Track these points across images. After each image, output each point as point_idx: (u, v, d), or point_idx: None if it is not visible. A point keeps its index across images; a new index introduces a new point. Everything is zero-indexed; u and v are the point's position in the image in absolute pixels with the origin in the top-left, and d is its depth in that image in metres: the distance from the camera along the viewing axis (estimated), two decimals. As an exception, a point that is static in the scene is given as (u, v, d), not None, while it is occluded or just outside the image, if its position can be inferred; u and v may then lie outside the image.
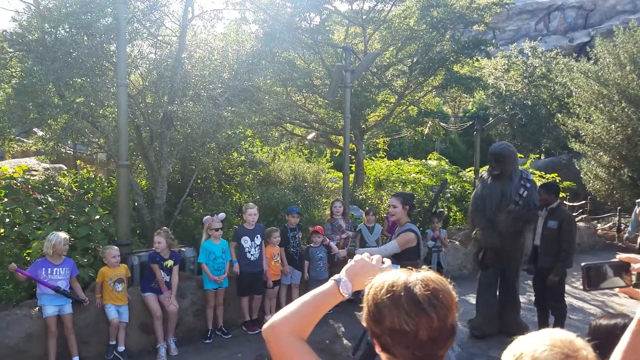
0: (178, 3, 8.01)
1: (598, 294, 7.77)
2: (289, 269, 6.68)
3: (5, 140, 7.91)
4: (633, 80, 13.94)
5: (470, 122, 18.05)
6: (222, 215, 6.20)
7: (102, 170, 11.55)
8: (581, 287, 1.57)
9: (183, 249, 6.57)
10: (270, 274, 6.46)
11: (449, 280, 1.26)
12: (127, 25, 6.57)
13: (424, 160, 16.67)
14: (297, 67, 11.15)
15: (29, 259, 5.45)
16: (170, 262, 5.58)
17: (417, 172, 13.96)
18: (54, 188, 7.45)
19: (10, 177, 6.69)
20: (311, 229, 7.05)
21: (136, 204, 7.57)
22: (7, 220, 5.89)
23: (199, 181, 9.06)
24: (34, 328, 4.89)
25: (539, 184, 6.36)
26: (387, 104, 13.18)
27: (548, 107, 21.76)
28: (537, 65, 22.83)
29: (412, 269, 1.27)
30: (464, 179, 14.56)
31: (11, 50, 7.06)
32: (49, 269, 4.91)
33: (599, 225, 14.48)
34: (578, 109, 15.97)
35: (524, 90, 22.59)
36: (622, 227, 12.96)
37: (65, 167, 11.00)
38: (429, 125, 15.57)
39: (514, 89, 22.83)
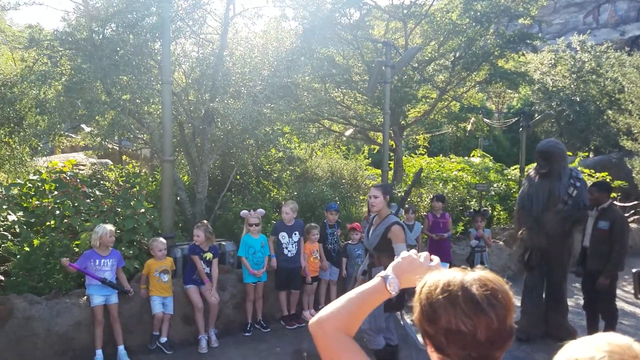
0: (220, 1, 8.14)
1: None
2: (327, 265, 6.68)
3: (56, 136, 8.24)
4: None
5: (516, 119, 17.53)
6: (260, 211, 6.26)
7: (146, 166, 11.90)
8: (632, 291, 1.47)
9: (223, 243, 6.67)
10: (309, 270, 6.47)
11: (505, 280, 1.22)
12: (170, 24, 6.71)
13: (466, 158, 16.32)
14: (336, 63, 11.11)
15: (77, 249, 5.66)
16: (209, 255, 5.67)
17: (459, 170, 13.67)
18: (101, 182, 7.73)
19: (60, 171, 6.98)
20: (349, 226, 7.01)
21: (179, 198, 7.73)
22: (57, 212, 6.14)
23: (237, 177, 9.18)
24: (82, 316, 5.08)
25: (589, 183, 6.10)
26: (428, 100, 12.95)
27: (597, 103, 20.87)
28: (586, 59, 21.93)
29: (466, 268, 1.24)
30: (509, 177, 14.20)
31: (61, 48, 7.34)
32: (97, 260, 5.09)
33: (652, 226, 13.77)
34: (630, 105, 15.25)
35: (572, 85, 21.74)
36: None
37: (111, 162, 11.38)
38: (471, 121, 15.20)
39: (561, 85, 22.00)
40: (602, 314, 5.60)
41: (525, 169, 12.86)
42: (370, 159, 14.30)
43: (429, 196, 10.71)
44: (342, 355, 1.31)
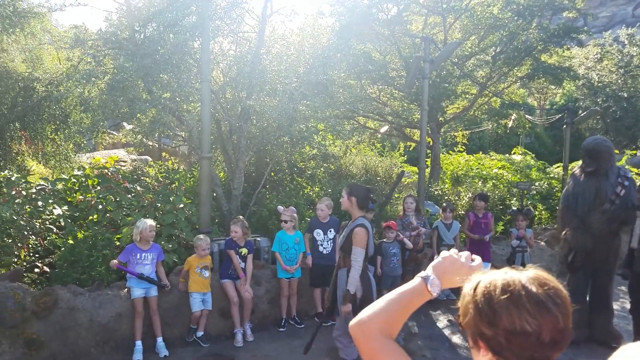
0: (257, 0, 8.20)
1: None
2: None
3: (99, 133, 8.53)
4: None
5: (559, 115, 16.94)
6: (291, 208, 6.27)
7: (184, 162, 12.15)
8: None
9: (258, 239, 6.73)
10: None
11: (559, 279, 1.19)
12: (209, 23, 6.80)
13: (507, 155, 15.91)
14: (372, 60, 11.00)
15: (118, 243, 5.84)
16: (245, 250, 5.73)
17: (500, 168, 13.33)
18: (142, 178, 7.94)
19: (103, 167, 7.21)
20: (384, 224, 6.94)
21: (215, 194, 7.86)
22: (100, 207, 6.35)
23: (272, 174, 9.24)
24: (123, 308, 5.22)
25: (638, 182, 5.83)
26: (467, 96, 12.67)
27: (646, 99, 19.94)
28: (634, 54, 20.92)
29: (516, 267, 1.21)
30: (551, 175, 13.76)
31: (105, 48, 7.57)
32: (138, 254, 5.23)
33: None
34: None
35: (619, 81, 20.81)
36: None
37: (150, 159, 11.69)
38: (513, 118, 14.77)
39: (607, 80, 21.09)
40: (651, 320, 5.34)
41: (569, 167, 12.45)
42: (406, 156, 14.12)
43: (467, 194, 10.49)
44: (383, 357, 1.29)
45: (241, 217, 6.11)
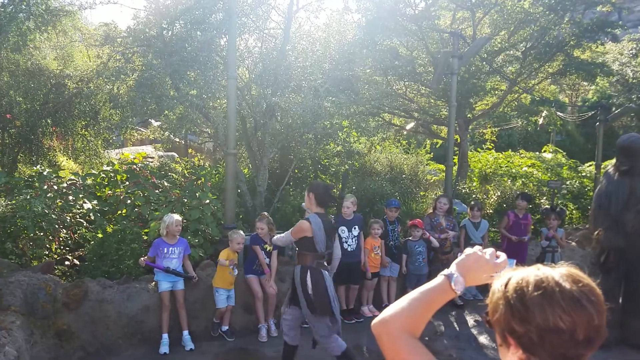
0: (284, -4, 8.21)
1: None
2: (387, 262, 6.58)
3: (127, 129, 8.68)
4: None
5: (591, 112, 16.47)
6: None
7: (209, 159, 12.29)
8: None
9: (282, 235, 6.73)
10: (369, 265, 6.41)
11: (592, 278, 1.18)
12: (236, 20, 6.82)
13: (537, 153, 15.56)
14: (399, 55, 10.87)
15: (146, 237, 5.93)
16: (269, 246, 5.75)
17: (529, 166, 13.03)
18: (169, 174, 8.06)
19: (131, 163, 7.34)
20: (410, 223, 6.86)
21: (240, 190, 7.91)
22: (129, 201, 6.47)
23: (296, 171, 9.25)
24: (150, 301, 5.31)
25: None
26: (496, 92, 12.41)
27: (683, 96, 19.15)
28: (671, 49, 20.15)
29: (547, 264, 1.20)
30: (583, 174, 13.40)
31: (134, 45, 7.69)
32: (165, 248, 5.30)
33: None
34: None
35: (655, 77, 20.06)
36: None
37: (177, 155, 11.86)
38: (543, 115, 14.41)
39: (643, 76, 20.37)
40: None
41: (602, 166, 12.10)
42: (432, 153, 13.92)
43: (496, 193, 10.30)
44: (407, 357, 1.27)
45: (266, 213, 6.13)
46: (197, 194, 6.52)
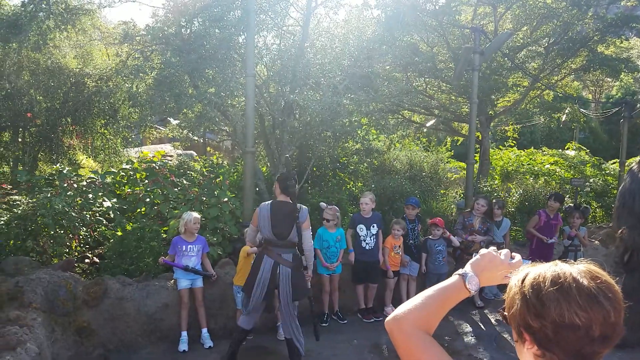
0: (303, -8, 8.12)
1: None
2: (407, 260, 6.48)
3: (146, 128, 8.72)
4: None
5: (615, 109, 16.09)
6: (334, 207, 6.15)
7: (227, 157, 12.31)
8: None
9: (301, 234, 6.68)
10: (389, 264, 6.32)
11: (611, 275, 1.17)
12: (254, 17, 6.79)
13: (560, 150, 15.27)
14: (419, 51, 10.72)
15: (165, 235, 5.93)
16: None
17: (552, 164, 12.77)
18: (188, 172, 8.07)
19: (150, 161, 7.36)
20: (430, 221, 6.75)
21: (258, 188, 7.88)
22: (148, 199, 6.48)
23: (314, 169, 9.18)
24: (169, 299, 5.31)
25: None
26: (518, 88, 12.18)
27: None
28: (699, 44, 19.56)
29: (566, 261, 1.19)
30: (607, 171, 13.11)
31: (152, 43, 7.71)
32: (184, 246, 5.30)
33: None
34: None
35: (683, 73, 19.50)
36: None
37: (195, 154, 11.91)
38: (566, 111, 14.12)
39: (669, 72, 19.81)
40: None
41: (626, 164, 11.81)
42: (452, 151, 13.74)
43: (518, 191, 10.11)
44: (420, 354, 1.26)
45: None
46: (215, 192, 6.50)
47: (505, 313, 1.22)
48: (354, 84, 7.86)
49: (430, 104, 12.01)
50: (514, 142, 15.18)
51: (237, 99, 8.02)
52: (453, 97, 12.05)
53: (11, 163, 8.37)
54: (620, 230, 5.43)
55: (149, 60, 7.73)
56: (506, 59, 10.81)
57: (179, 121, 9.03)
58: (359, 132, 8.70)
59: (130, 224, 6.11)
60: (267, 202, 4.61)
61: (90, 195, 6.29)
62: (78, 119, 8.44)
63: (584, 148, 16.05)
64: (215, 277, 5.48)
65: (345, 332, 5.85)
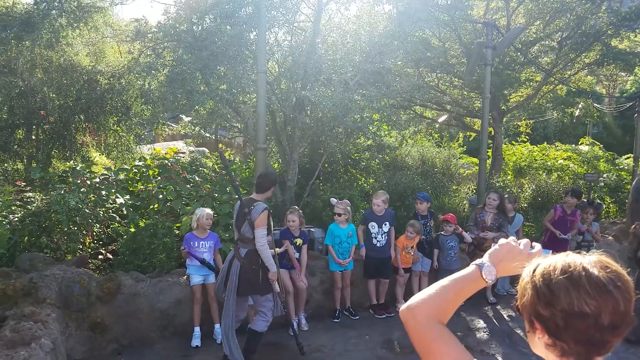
0: (314, -12, 8.08)
1: None
2: (419, 257, 6.45)
3: (158, 125, 8.76)
4: None
5: (630, 104, 15.87)
6: (346, 202, 6.14)
7: (239, 154, 12.34)
8: None
9: (312, 230, 6.70)
10: (401, 262, 6.30)
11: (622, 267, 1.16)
12: (265, 13, 6.77)
13: (573, 146, 15.11)
14: (431, 46, 10.65)
15: (178, 232, 5.96)
16: (299, 240, 5.72)
17: (565, 159, 12.63)
18: (200, 169, 8.09)
19: (163, 158, 7.40)
20: (442, 217, 6.71)
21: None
22: (161, 196, 6.51)
23: (326, 165, 9.17)
24: (182, 294, 5.33)
25: None
26: (531, 83, 12.06)
27: None
28: None
29: (580, 252, 1.21)
30: (620, 167, 12.95)
31: (164, 40, 7.73)
32: (196, 242, 5.32)
33: None
34: None
35: (699, 67, 19.16)
36: None
37: (207, 150, 11.94)
38: (580, 106, 13.97)
39: (685, 66, 19.47)
40: None
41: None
42: (465, 146, 13.64)
43: (531, 187, 10.01)
44: (434, 343, 1.26)
45: (296, 206, 6.09)
46: (227, 189, 6.52)
47: (518, 303, 1.23)
48: (365, 80, 7.82)
49: (443, 99, 11.93)
50: (526, 137, 15.05)
51: (248, 95, 8.03)
52: (465, 93, 11.96)
53: (25, 160, 8.45)
54: (633, 226, 5.40)
55: (161, 57, 7.75)
56: (519, 53, 10.71)
57: (191, 118, 9.07)
58: (370, 128, 8.67)
59: (143, 220, 6.14)
60: (261, 204, 4.59)
61: (104, 192, 6.34)
62: (91, 116, 8.49)
63: (598, 143, 15.87)
64: (226, 273, 5.50)
65: (357, 327, 5.85)
